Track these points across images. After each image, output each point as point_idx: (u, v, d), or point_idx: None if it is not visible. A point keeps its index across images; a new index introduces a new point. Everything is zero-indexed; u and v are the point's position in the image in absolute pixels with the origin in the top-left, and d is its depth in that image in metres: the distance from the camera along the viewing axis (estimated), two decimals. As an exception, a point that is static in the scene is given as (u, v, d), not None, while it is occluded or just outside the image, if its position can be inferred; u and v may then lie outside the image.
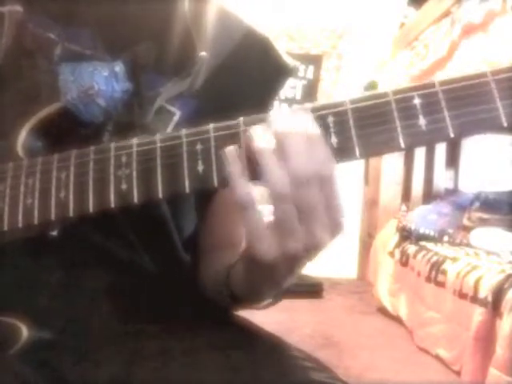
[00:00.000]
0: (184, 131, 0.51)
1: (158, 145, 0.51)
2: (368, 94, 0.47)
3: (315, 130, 0.45)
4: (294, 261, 0.48)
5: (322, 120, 0.47)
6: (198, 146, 0.49)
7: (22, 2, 0.64)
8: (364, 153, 0.46)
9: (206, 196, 0.69)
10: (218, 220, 0.71)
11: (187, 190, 0.49)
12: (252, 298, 0.60)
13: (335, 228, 0.47)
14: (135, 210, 0.52)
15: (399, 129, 0.45)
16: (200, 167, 0.49)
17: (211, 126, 0.50)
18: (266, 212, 0.46)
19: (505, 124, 0.44)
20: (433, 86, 0.45)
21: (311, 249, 0.47)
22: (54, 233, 0.57)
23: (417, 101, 0.45)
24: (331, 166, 0.46)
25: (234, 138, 0.49)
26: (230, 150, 0.46)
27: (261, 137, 0.46)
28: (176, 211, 0.66)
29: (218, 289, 0.63)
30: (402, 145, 0.45)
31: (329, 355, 2.26)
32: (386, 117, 0.46)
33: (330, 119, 0.46)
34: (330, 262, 4.08)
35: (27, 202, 0.53)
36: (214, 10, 0.70)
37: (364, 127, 0.46)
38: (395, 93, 0.46)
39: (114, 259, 0.63)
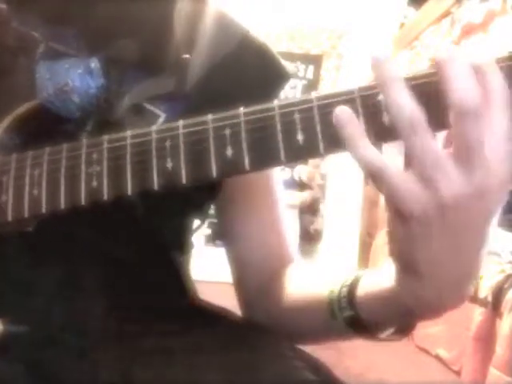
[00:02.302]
0: (154, 128, 0.51)
1: (128, 141, 0.51)
2: (335, 91, 0.47)
3: (484, 58, 0.41)
4: (454, 220, 0.40)
5: (288, 117, 0.47)
6: (167, 143, 0.50)
7: (8, 0, 0.63)
8: (328, 149, 0.46)
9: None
10: (258, 232, 0.70)
11: (156, 186, 0.49)
12: (391, 318, 0.52)
13: (500, 171, 0.39)
14: (110, 207, 0.52)
15: (364, 126, 0.45)
16: (169, 164, 0.49)
17: (181, 122, 0.50)
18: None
19: None
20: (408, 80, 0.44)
21: (477, 197, 0.40)
22: (30, 229, 0.57)
23: (381, 97, 0.45)
24: (503, 95, 0.40)
25: (202, 134, 0.49)
26: (343, 110, 0.43)
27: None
28: (154, 214, 0.64)
29: (317, 315, 0.58)
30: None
31: (329, 355, 2.25)
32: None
33: (297, 116, 0.47)
34: (330, 262, 4.08)
35: (2, 199, 0.54)
36: (211, 14, 0.69)
37: (329, 125, 0.45)
38: (361, 89, 0.46)
39: (108, 257, 0.63)
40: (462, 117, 0.39)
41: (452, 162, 0.40)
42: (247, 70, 0.69)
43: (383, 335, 0.52)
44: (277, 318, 0.66)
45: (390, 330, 0.53)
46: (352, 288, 0.53)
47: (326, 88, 4.33)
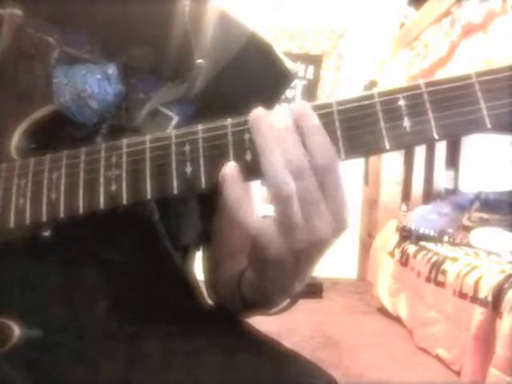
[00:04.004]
0: (173, 132, 0.50)
1: (148, 145, 0.50)
2: (355, 95, 0.47)
3: (311, 121, 0.46)
4: (300, 257, 0.48)
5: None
6: (187, 147, 0.49)
7: (22, 5, 0.64)
8: (349, 154, 0.46)
9: (211, 204, 0.69)
10: (226, 227, 0.72)
11: (175, 191, 0.49)
12: (262, 302, 0.60)
13: (338, 224, 0.47)
14: (126, 211, 0.51)
15: (384, 130, 0.45)
16: (188, 169, 0.49)
17: (200, 126, 0.50)
18: (264, 209, 0.47)
19: (488, 126, 0.44)
20: (418, 87, 0.46)
21: (315, 245, 0.47)
22: (47, 233, 0.57)
23: (402, 102, 0.45)
24: (328, 156, 0.45)
25: (222, 139, 0.49)
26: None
27: (259, 128, 0.46)
28: (170, 218, 0.65)
29: (230, 295, 0.63)
30: (387, 146, 0.46)
31: (329, 355, 2.26)
32: (371, 118, 0.46)
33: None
34: (330, 262, 4.09)
35: (19, 202, 0.53)
36: (216, 15, 0.69)
37: (350, 129, 0.46)
38: (381, 94, 0.46)
39: (109, 261, 0.63)
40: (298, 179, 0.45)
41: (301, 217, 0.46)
42: (252, 71, 0.70)
43: (271, 312, 0.61)
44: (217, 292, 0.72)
45: (276, 309, 0.61)
46: (239, 279, 0.61)
47: (326, 88, 4.34)
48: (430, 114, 0.45)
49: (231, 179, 0.46)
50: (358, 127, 0.46)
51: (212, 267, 0.74)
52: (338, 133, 0.46)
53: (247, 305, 0.61)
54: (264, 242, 0.47)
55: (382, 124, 0.46)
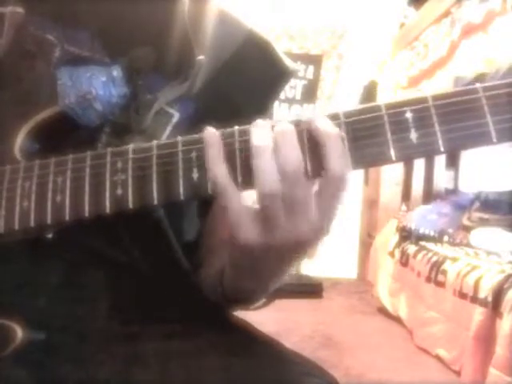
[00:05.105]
0: (180, 138, 0.51)
1: (155, 152, 0.51)
2: (362, 107, 0.48)
3: (325, 134, 0.47)
4: (281, 255, 0.49)
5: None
6: (193, 154, 0.50)
7: (23, 3, 0.64)
8: (355, 165, 0.47)
9: (208, 203, 0.69)
10: (217, 221, 0.72)
11: (182, 197, 0.50)
12: (242, 297, 0.61)
13: (320, 229, 0.48)
14: (131, 213, 0.52)
15: (391, 142, 0.46)
16: (195, 175, 0.50)
17: None
18: (245, 198, 0.48)
19: (494, 140, 0.44)
20: (425, 100, 0.46)
21: (296, 245, 0.48)
22: (50, 235, 0.57)
23: (409, 115, 0.46)
24: (342, 170, 0.46)
25: (228, 145, 0.49)
26: (209, 133, 0.49)
27: (259, 135, 0.47)
28: (174, 215, 0.65)
29: (213, 290, 0.63)
30: (393, 157, 0.46)
31: (329, 355, 2.26)
32: (378, 130, 0.47)
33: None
34: (330, 262, 4.09)
35: (24, 204, 0.54)
36: (215, 12, 0.70)
37: (356, 140, 0.47)
38: (388, 106, 0.47)
39: (111, 261, 0.63)
40: (286, 181, 0.46)
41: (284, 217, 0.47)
42: (251, 68, 0.70)
43: (252, 307, 0.62)
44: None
45: (257, 304, 0.62)
46: (222, 273, 0.61)
47: (325, 88, 4.34)
48: (437, 127, 0.45)
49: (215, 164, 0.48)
50: (364, 138, 0.47)
51: (201, 261, 0.74)
52: (345, 144, 0.47)
53: (229, 300, 0.62)
54: (240, 233, 0.48)
55: (389, 136, 0.46)
